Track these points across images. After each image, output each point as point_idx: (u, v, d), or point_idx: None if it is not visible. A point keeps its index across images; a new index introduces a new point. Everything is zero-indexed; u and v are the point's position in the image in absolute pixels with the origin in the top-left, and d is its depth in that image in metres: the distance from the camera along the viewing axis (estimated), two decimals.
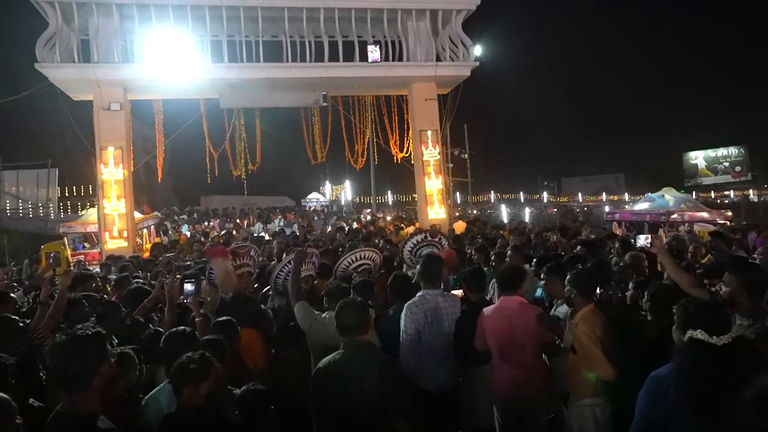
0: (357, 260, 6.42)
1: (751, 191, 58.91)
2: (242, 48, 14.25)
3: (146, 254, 12.72)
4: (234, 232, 16.96)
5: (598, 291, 4.53)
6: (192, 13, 13.80)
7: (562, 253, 7.45)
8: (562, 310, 4.58)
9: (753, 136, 60.81)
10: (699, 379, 2.48)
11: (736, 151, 63.74)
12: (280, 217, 22.88)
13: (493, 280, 5.76)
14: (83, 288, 6.18)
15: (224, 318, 4.06)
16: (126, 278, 7.13)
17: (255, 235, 16.05)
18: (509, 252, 7.02)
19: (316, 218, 22.96)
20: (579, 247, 7.65)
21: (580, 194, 67.31)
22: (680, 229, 12.46)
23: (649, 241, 4.14)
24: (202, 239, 15.31)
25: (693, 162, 65.98)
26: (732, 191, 59.65)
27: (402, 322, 4.24)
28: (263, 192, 45.02)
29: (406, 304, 4.32)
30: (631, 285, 4.58)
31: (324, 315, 4.32)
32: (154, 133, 17.82)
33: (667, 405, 2.60)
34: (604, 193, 65.52)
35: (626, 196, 60.45)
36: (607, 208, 38.02)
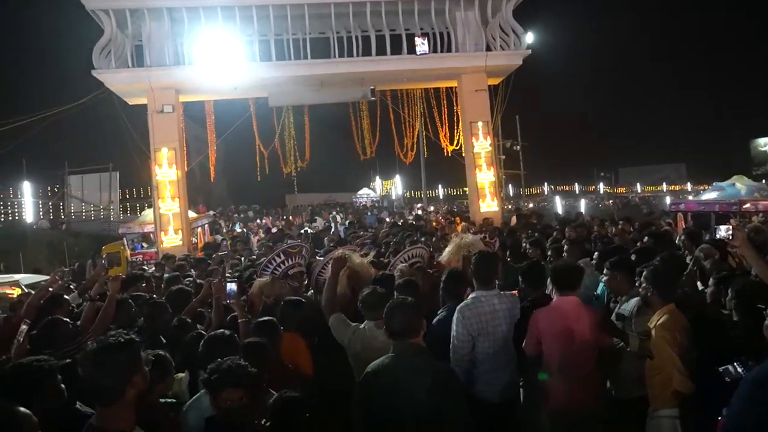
0: (410, 258, 6.16)
1: None
2: (290, 46, 14.25)
3: (200, 253, 12.94)
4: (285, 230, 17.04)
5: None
6: (240, 13, 13.90)
7: (624, 246, 6.98)
8: (627, 307, 4.17)
9: None
10: None
11: None
12: (334, 213, 22.91)
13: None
14: (135, 288, 6.23)
15: (265, 318, 3.94)
16: (176, 277, 7.15)
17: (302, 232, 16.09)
18: (566, 246, 6.61)
19: (368, 214, 22.86)
20: (646, 238, 7.18)
21: (638, 184, 64.96)
22: (753, 220, 11.61)
23: (731, 232, 3.73)
24: (251, 236, 15.42)
25: (762, 149, 62.41)
26: None
27: (453, 327, 3.91)
28: (314, 189, 45.48)
29: (458, 308, 3.97)
30: (712, 281, 4.15)
31: (362, 326, 4.00)
32: (207, 133, 18.21)
33: None
34: (664, 183, 62.99)
35: (689, 186, 57.90)
36: (668, 199, 36.36)
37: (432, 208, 27.30)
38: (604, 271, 4.53)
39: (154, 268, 9.93)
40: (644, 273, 3.89)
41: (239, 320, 4.14)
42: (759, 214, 11.90)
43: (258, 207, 27.99)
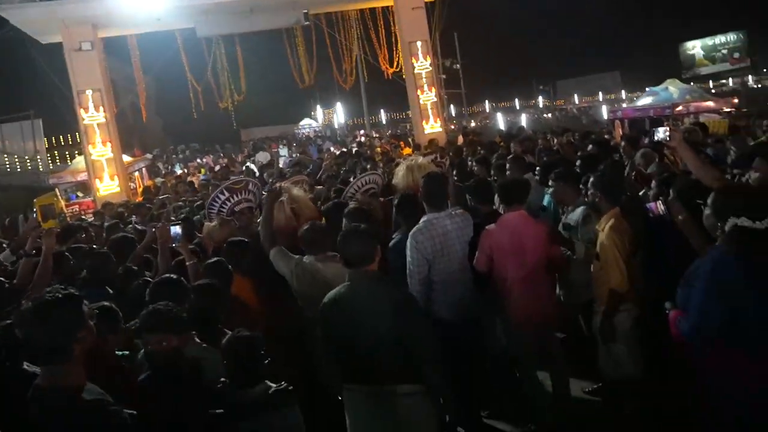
0: (364, 185, 5.92)
1: (750, 77, 57.63)
2: None
3: (139, 199, 12.47)
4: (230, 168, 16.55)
5: None
6: None
7: (566, 157, 7.10)
8: (573, 216, 4.27)
9: (752, 21, 58.61)
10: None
11: (735, 37, 61.48)
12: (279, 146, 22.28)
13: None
14: (74, 240, 5.94)
15: (215, 259, 3.83)
16: (117, 225, 6.89)
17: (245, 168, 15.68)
18: (508, 162, 6.63)
19: (311, 145, 22.40)
20: (590, 147, 7.32)
21: (576, 96, 66.03)
22: (685, 121, 12.05)
23: (668, 134, 3.80)
24: (190, 179, 14.92)
25: (690, 53, 63.74)
26: (730, 79, 58.25)
27: (408, 253, 3.85)
28: (254, 123, 44.12)
29: (410, 233, 3.89)
30: (654, 182, 4.27)
31: (305, 259, 3.87)
32: (134, 71, 17.06)
33: (736, 292, 2.47)
34: (600, 93, 64.22)
35: (623, 94, 59.27)
36: (604, 108, 37.24)
37: (375, 134, 27.03)
38: (550, 183, 4.60)
39: (92, 218, 9.53)
40: (591, 179, 3.97)
41: (187, 263, 4.01)
42: (690, 116, 12.36)
43: (197, 146, 26.96)
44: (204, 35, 15.27)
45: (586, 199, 4.24)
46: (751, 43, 57.78)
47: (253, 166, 14.75)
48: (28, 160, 30.76)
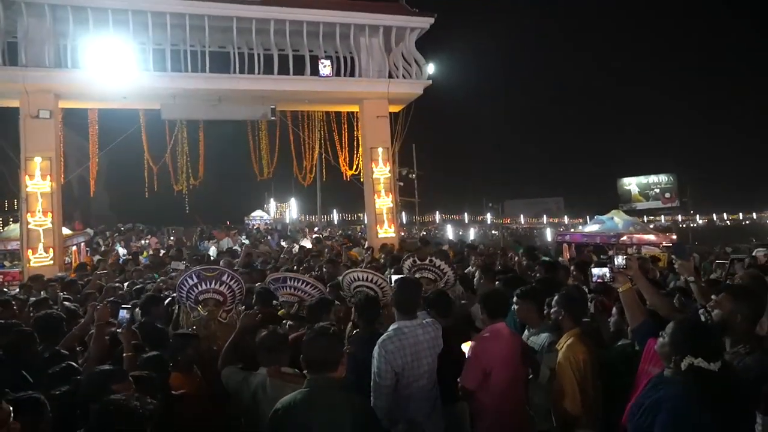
0: (364, 280, 5.45)
1: (679, 216, 61.88)
2: (187, 57, 13.55)
3: (72, 274, 11.73)
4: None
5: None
6: (133, 18, 13.01)
7: (522, 277, 7.14)
8: (537, 341, 4.10)
9: (681, 165, 64.16)
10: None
11: (666, 179, 66.86)
12: (230, 236, 21.76)
13: None
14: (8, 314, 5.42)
15: (152, 354, 3.47)
16: (44, 300, 6.34)
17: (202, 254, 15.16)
18: (477, 274, 6.58)
19: (269, 238, 22.02)
20: (537, 269, 7.39)
21: (522, 216, 68.87)
22: (629, 252, 12.54)
23: (606, 273, 3.89)
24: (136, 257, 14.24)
25: (627, 188, 68.62)
26: (663, 216, 62.49)
27: (375, 363, 3.56)
28: (205, 209, 43.53)
29: (378, 342, 3.63)
30: (615, 310, 4.27)
31: (258, 379, 3.39)
32: (89, 144, 16.68)
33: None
34: (545, 216, 67.23)
35: (566, 219, 62.25)
36: (548, 230, 38.86)
37: (327, 233, 26.99)
38: (514, 300, 4.53)
39: (17, 290, 8.80)
40: (555, 297, 3.94)
41: (124, 354, 3.61)
42: (633, 247, 12.91)
43: (141, 226, 26.13)
44: (169, 118, 15.24)
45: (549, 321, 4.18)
46: (680, 185, 62.75)
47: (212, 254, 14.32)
48: None
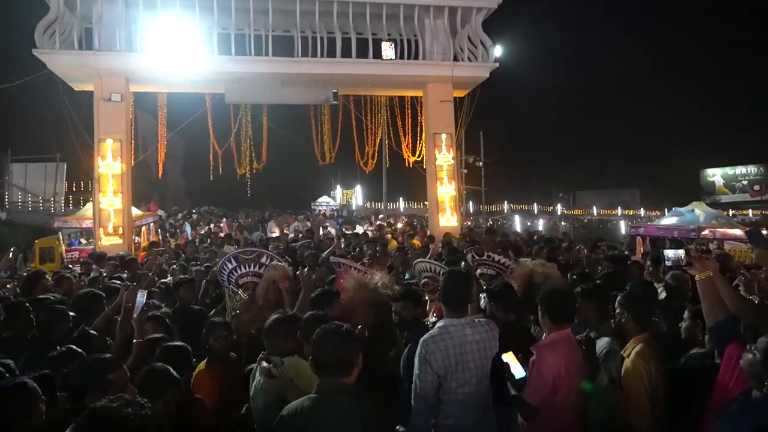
0: (431, 271, 5.23)
1: None
2: (251, 41, 13.61)
3: (143, 253, 12.08)
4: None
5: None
6: (200, 3, 13.20)
7: (589, 272, 6.60)
8: (600, 344, 3.60)
9: None
10: None
11: (755, 170, 62.57)
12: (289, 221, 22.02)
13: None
14: (42, 289, 5.50)
15: (172, 344, 3.28)
16: (96, 279, 6.42)
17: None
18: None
19: (328, 223, 22.08)
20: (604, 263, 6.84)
21: (594, 207, 66.32)
22: (710, 247, 11.57)
23: (682, 255, 3.34)
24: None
25: (710, 179, 64.79)
26: (750, 210, 58.35)
27: (416, 364, 3.21)
28: (273, 194, 44.45)
29: (421, 340, 3.25)
30: (687, 314, 3.75)
31: (257, 378, 3.06)
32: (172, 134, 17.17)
33: None
34: (619, 208, 64.42)
35: (642, 212, 59.35)
36: (622, 223, 36.99)
37: (392, 221, 26.78)
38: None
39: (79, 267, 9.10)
40: (618, 298, 3.47)
41: (134, 340, 3.42)
42: (715, 242, 11.89)
43: (214, 209, 26.89)
44: (233, 102, 15.44)
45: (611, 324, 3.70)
46: None
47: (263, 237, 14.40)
48: (42, 201, 30.99)
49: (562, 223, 49.61)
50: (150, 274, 6.95)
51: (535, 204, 60.91)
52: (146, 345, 3.37)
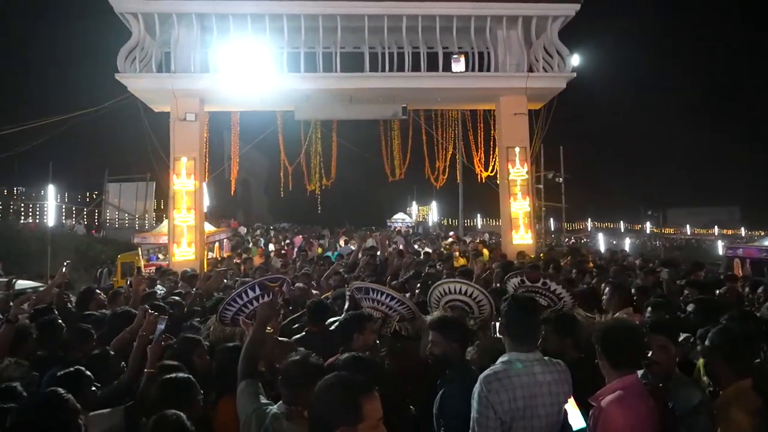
0: (452, 292, 4.57)
1: None
2: (320, 59, 13.65)
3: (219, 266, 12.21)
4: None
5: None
6: (270, 23, 13.38)
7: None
8: (682, 404, 2.82)
9: None
10: None
11: None
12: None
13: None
14: (96, 305, 5.49)
15: (183, 376, 2.95)
16: (151, 294, 6.38)
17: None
18: (607, 292, 5.30)
19: (396, 239, 21.75)
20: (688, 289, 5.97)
21: (688, 226, 62.24)
22: None
23: None
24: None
25: None
26: None
27: (474, 407, 2.69)
28: (351, 210, 44.82)
29: (481, 377, 2.73)
30: None
31: (273, 408, 2.62)
32: (252, 151, 17.65)
33: None
34: (716, 227, 60.08)
35: (742, 231, 54.97)
36: (720, 243, 34.07)
37: (469, 239, 26.06)
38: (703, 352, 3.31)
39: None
40: (709, 335, 2.83)
41: (146, 370, 3.16)
42: None
43: (286, 225, 27.33)
44: (302, 118, 15.54)
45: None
46: None
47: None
48: (136, 218, 32.82)
49: (655, 242, 46.58)
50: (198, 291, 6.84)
51: (621, 222, 57.88)
52: (154, 376, 3.09)
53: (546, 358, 2.85)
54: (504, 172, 14.56)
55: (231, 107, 15.80)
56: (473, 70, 14.06)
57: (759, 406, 2.59)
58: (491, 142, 16.36)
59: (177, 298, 6.37)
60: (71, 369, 2.93)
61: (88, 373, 2.95)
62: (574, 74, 14.04)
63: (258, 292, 3.93)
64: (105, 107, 14.83)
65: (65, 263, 6.18)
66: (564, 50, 14.03)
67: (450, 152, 18.44)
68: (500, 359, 2.80)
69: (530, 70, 14.29)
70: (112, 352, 3.51)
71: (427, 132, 17.62)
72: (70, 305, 5.81)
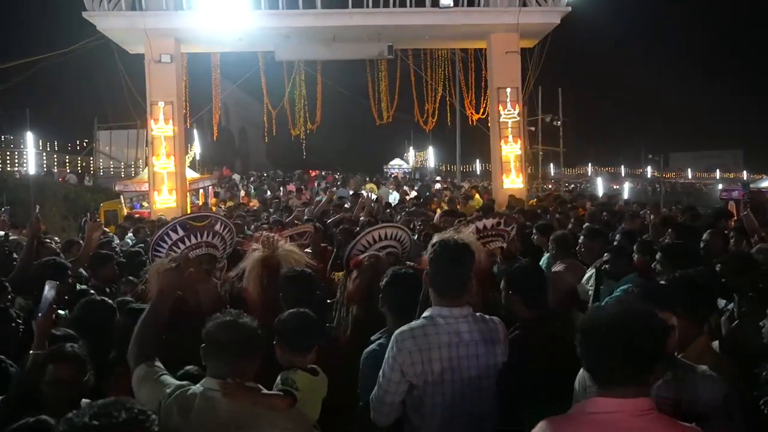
0: (381, 239, 4.24)
1: None
2: None
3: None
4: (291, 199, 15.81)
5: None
6: None
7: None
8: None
9: None
10: None
11: None
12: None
13: None
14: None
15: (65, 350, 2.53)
16: (106, 243, 6.09)
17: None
18: (582, 238, 4.91)
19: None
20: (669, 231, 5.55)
21: (689, 170, 61.63)
22: None
23: None
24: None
25: None
26: None
27: (384, 365, 2.36)
28: (347, 156, 44.24)
29: (395, 333, 2.38)
30: None
31: (194, 389, 2.08)
32: (248, 96, 17.03)
33: None
34: (718, 171, 59.46)
35: (744, 175, 54.37)
36: (720, 187, 33.57)
37: (466, 184, 25.59)
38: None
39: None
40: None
41: (31, 351, 2.63)
42: None
43: (280, 173, 26.88)
44: (283, 59, 14.90)
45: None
46: None
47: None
48: (127, 166, 32.38)
49: (656, 186, 45.98)
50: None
51: (622, 166, 57.23)
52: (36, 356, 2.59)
53: (477, 314, 2.47)
54: (494, 114, 14.03)
55: (209, 48, 15.13)
56: (462, 5, 13.32)
57: (723, 366, 2.28)
58: (483, 83, 15.73)
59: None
60: None
61: None
62: (569, 8, 13.27)
63: (181, 233, 3.59)
64: (75, 49, 14.14)
65: (36, 212, 5.77)
66: None
67: (440, 94, 17.81)
68: (425, 313, 2.44)
69: (523, 5, 13.53)
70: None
71: (415, 73, 16.94)
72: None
